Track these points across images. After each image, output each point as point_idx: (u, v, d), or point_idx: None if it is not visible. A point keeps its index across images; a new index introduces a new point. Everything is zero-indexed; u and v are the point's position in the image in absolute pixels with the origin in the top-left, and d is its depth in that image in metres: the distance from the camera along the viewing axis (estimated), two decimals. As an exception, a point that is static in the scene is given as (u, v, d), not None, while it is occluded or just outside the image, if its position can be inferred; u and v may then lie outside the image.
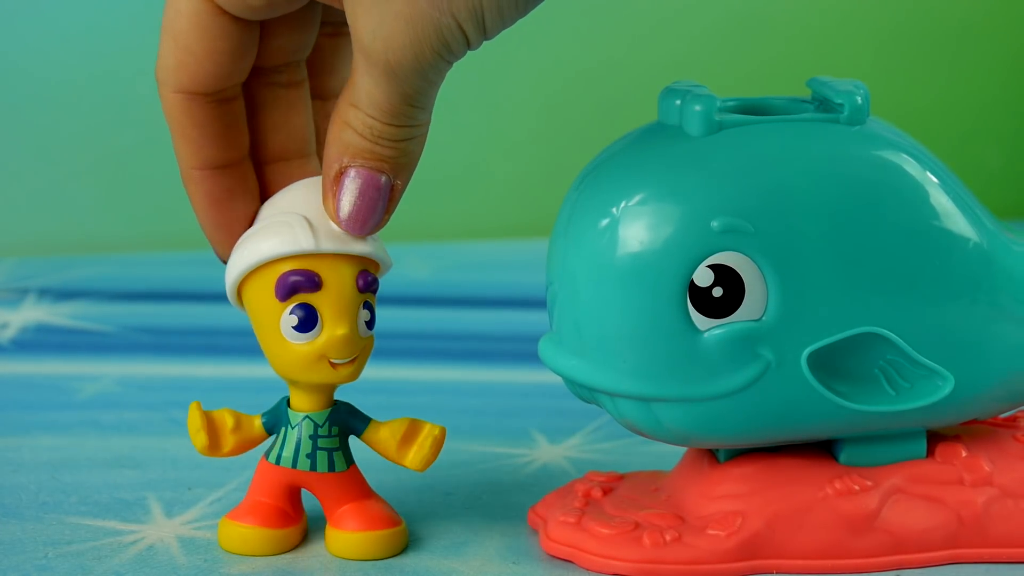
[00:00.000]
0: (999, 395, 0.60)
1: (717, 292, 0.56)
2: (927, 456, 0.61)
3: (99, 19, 1.09)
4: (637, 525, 0.59)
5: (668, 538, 0.58)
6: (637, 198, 0.57)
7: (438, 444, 0.60)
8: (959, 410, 0.60)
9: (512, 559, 0.60)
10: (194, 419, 0.60)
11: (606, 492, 0.62)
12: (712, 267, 0.56)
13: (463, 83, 1.12)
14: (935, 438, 0.61)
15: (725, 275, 0.56)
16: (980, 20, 1.17)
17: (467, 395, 0.79)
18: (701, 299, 0.56)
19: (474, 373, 0.82)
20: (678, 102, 0.58)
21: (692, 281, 0.56)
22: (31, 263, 1.02)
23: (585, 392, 0.59)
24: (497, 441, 0.72)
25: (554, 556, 0.60)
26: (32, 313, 0.91)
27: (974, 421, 0.62)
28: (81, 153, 1.09)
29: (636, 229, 0.56)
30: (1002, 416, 0.64)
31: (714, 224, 0.56)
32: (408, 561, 0.59)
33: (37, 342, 0.86)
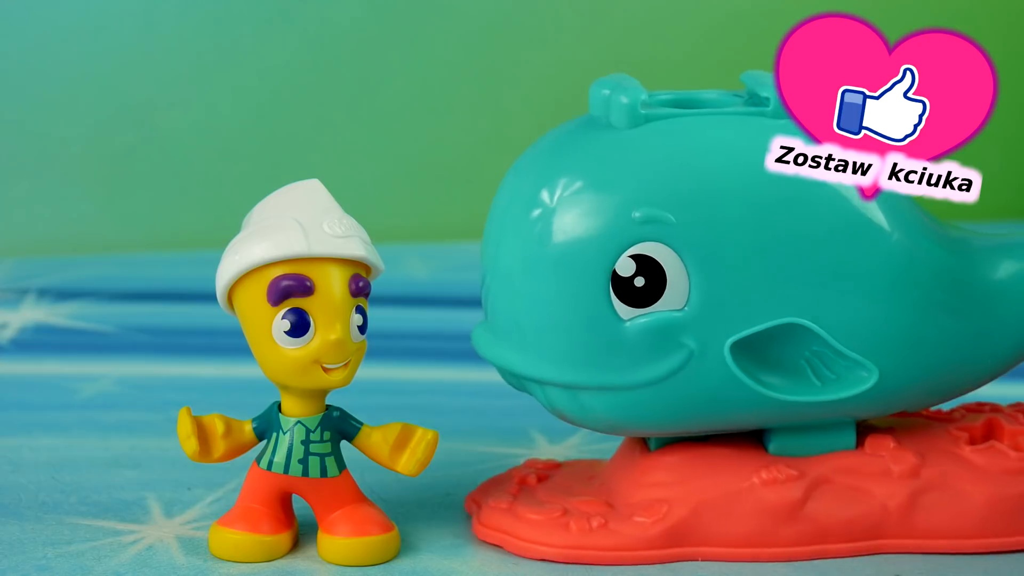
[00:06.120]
0: (929, 388, 0.60)
1: (639, 282, 0.57)
2: (857, 447, 0.61)
3: (99, 20, 1.09)
4: (565, 511, 0.60)
5: (594, 524, 0.59)
6: (562, 189, 0.57)
7: (431, 448, 0.59)
8: (886, 402, 0.60)
9: (512, 559, 0.60)
10: (184, 425, 0.59)
11: (541, 479, 0.63)
12: (634, 257, 0.57)
13: (463, 84, 1.12)
14: (866, 430, 0.62)
15: (647, 265, 0.57)
16: (979, 20, 1.17)
17: (466, 395, 0.79)
18: (624, 288, 0.57)
19: (473, 373, 0.81)
20: (606, 92, 0.58)
21: (615, 271, 0.57)
22: (31, 263, 1.02)
23: (515, 380, 0.59)
24: (497, 441, 0.72)
25: (486, 541, 0.60)
26: (32, 313, 0.91)
27: (904, 413, 0.62)
28: (81, 153, 1.09)
29: (561, 220, 0.57)
30: (940, 409, 0.64)
31: (635, 215, 0.56)
32: (407, 562, 0.59)
33: (37, 342, 0.86)
